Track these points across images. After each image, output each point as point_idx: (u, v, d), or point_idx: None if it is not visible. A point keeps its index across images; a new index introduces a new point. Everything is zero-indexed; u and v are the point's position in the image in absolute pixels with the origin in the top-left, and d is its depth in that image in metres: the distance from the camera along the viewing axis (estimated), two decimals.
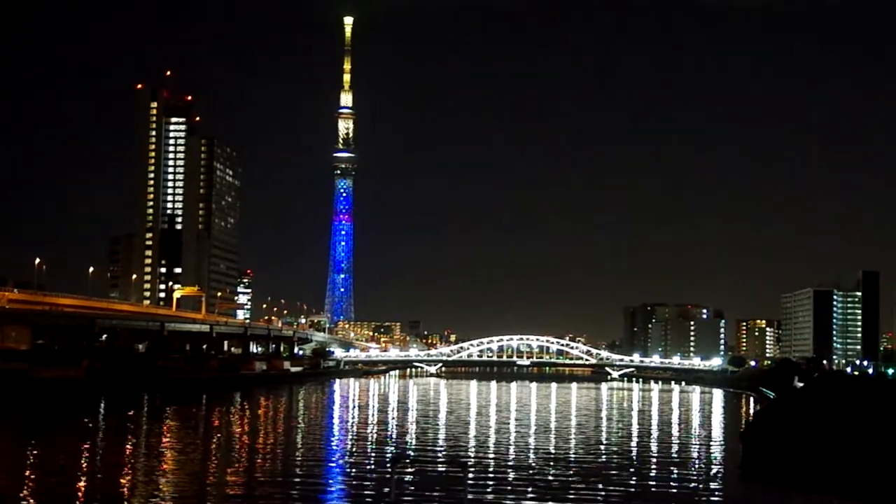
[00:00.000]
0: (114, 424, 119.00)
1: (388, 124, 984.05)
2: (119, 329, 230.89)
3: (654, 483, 76.46)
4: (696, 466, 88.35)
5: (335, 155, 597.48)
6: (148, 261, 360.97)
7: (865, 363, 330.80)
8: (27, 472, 73.07)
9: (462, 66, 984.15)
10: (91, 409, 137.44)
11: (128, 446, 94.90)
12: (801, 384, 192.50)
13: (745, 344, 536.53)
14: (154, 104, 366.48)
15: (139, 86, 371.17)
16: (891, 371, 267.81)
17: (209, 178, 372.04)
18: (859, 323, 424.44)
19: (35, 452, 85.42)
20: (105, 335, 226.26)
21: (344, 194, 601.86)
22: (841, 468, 79.04)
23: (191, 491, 66.74)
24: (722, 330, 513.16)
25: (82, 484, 69.27)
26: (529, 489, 70.15)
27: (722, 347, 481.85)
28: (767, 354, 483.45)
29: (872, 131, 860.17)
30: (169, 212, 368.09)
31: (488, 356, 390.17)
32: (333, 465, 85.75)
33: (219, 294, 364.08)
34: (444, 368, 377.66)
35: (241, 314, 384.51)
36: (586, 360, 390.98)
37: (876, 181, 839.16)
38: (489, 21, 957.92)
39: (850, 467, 78.79)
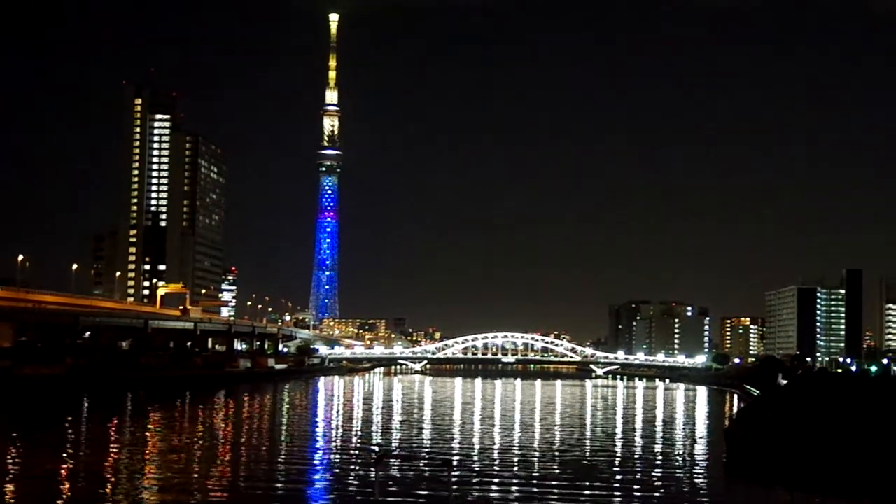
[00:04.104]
0: (97, 422, 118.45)
1: (373, 122, 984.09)
2: (103, 326, 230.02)
3: (638, 480, 76.46)
4: (680, 464, 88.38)
5: (320, 152, 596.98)
6: (132, 258, 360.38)
7: (849, 361, 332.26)
8: (9, 472, 72.54)
9: (448, 63, 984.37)
10: (74, 407, 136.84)
11: (111, 444, 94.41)
12: (784, 382, 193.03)
13: (729, 341, 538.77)
14: (138, 101, 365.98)
15: (123, 82, 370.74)
16: (874, 368, 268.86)
17: (194, 174, 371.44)
18: (843, 320, 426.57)
19: (17, 451, 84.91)
20: (88, 332, 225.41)
21: (329, 191, 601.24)
22: (825, 465, 79.28)
23: (174, 489, 66.37)
24: (706, 327, 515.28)
25: (65, 483, 68.87)
26: (514, 487, 70.09)
27: (706, 345, 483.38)
28: (751, 352, 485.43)
29: (856, 130, 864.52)
30: (153, 209, 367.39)
31: (473, 354, 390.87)
32: (317, 463, 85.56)
33: (203, 291, 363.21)
34: (428, 366, 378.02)
35: (225, 311, 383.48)
36: (571, 357, 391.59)
37: (860, 179, 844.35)
38: (476, 18, 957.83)
39: (834, 464, 79.04)
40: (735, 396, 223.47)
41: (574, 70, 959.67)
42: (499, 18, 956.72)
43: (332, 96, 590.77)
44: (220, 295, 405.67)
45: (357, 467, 79.64)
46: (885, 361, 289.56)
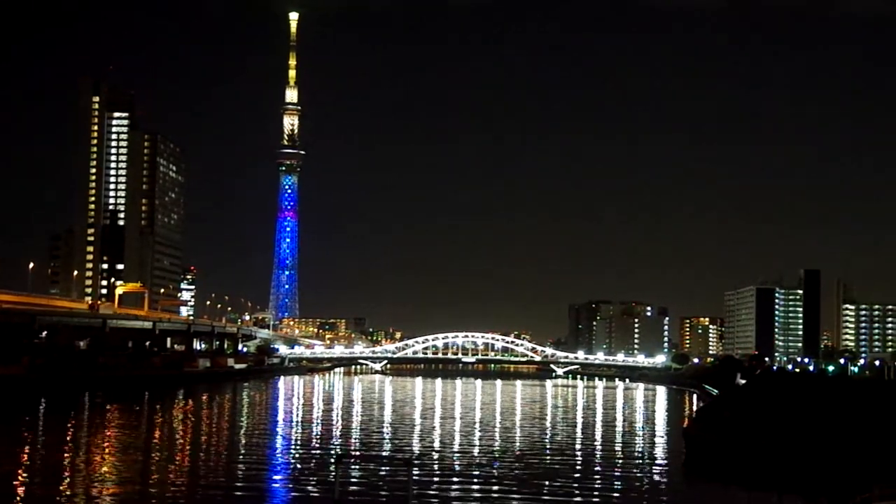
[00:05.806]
0: (54, 423, 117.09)
1: (333, 121, 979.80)
2: (60, 326, 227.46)
3: (597, 480, 76.70)
4: (640, 463, 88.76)
5: (280, 151, 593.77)
6: (90, 257, 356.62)
7: (806, 360, 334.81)
8: None
9: (406, 63, 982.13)
10: (31, 408, 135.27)
11: (68, 445, 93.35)
12: (743, 381, 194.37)
13: (688, 341, 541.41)
14: (96, 98, 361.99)
15: (81, 79, 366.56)
16: (831, 368, 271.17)
17: (152, 173, 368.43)
18: (801, 321, 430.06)
19: None
20: (45, 332, 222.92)
21: (289, 191, 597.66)
22: (782, 464, 79.92)
23: (132, 491, 65.74)
24: (666, 327, 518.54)
25: (21, 485, 67.95)
26: (474, 486, 70.07)
27: (666, 345, 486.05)
28: (710, 351, 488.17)
29: (815, 131, 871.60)
30: (111, 207, 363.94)
31: (433, 353, 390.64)
32: (277, 463, 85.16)
33: (162, 291, 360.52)
34: (389, 365, 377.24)
35: (184, 311, 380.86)
36: (531, 357, 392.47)
37: (818, 180, 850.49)
38: (436, 17, 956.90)
39: (791, 463, 79.69)
40: (694, 396, 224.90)
41: (530, 69, 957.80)
42: (459, 18, 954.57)
43: (291, 95, 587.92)
44: (180, 294, 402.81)
45: (317, 467, 79.32)
46: (842, 361, 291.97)
